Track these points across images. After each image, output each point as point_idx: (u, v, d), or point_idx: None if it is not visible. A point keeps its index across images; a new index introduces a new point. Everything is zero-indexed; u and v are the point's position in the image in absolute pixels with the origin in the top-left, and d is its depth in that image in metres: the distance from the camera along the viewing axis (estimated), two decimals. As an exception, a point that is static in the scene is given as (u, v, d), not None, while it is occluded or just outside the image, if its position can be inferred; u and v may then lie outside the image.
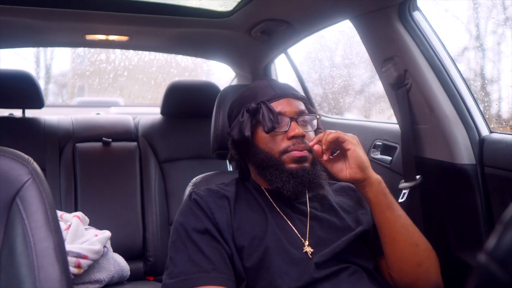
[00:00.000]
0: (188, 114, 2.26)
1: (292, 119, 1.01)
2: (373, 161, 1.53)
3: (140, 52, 5.89)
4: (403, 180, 1.31)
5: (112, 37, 2.06)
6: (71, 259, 1.48)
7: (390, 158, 1.48)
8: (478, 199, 1.17)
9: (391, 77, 1.34)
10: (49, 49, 7.21)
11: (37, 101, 2.07)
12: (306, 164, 0.99)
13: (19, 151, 0.79)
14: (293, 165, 0.98)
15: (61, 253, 0.73)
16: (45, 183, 0.77)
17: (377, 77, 1.45)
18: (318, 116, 1.08)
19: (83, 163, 2.04)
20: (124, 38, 2.07)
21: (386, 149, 1.52)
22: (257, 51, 2.11)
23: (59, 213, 1.67)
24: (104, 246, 1.60)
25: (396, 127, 1.40)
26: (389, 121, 1.67)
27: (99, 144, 2.12)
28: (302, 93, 2.10)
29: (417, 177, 1.28)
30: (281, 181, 0.98)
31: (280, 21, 1.68)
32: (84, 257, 1.51)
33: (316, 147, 0.96)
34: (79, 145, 2.09)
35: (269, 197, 1.04)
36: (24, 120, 2.12)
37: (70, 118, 2.21)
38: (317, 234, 0.98)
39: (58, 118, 2.19)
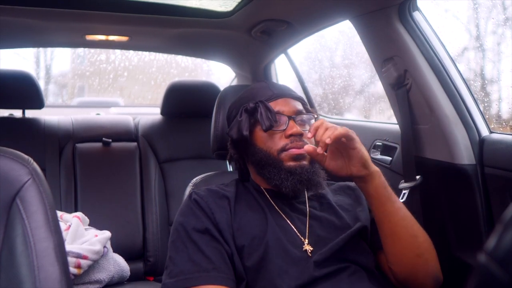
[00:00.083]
0: (188, 114, 2.26)
1: (290, 118, 1.01)
2: (373, 161, 1.52)
3: (140, 52, 5.90)
4: (403, 180, 1.31)
5: (112, 38, 2.06)
6: (71, 260, 1.48)
7: (390, 158, 1.48)
8: (478, 199, 1.17)
9: (391, 77, 1.34)
10: (49, 49, 7.22)
11: (37, 102, 2.07)
12: (305, 162, 0.99)
13: (19, 151, 0.79)
14: (291, 163, 0.98)
15: (61, 253, 0.73)
16: (45, 183, 0.77)
17: (377, 77, 1.45)
18: (315, 116, 1.08)
19: (83, 163, 2.04)
20: (124, 38, 2.07)
21: (386, 149, 1.52)
22: (257, 51, 2.11)
23: (59, 213, 1.67)
24: (104, 247, 1.60)
25: (396, 127, 1.40)
26: (389, 121, 1.67)
27: (99, 144, 2.12)
28: (302, 93, 2.13)
29: (417, 177, 1.28)
30: (279, 179, 0.98)
31: (280, 21, 1.68)
32: (84, 257, 1.51)
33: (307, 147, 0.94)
34: (79, 145, 2.09)
35: (268, 197, 1.04)
36: (24, 120, 2.12)
37: (70, 118, 2.21)
38: (317, 233, 0.98)
39: (58, 119, 2.19)
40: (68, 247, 1.49)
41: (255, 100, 1.03)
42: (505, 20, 1.47)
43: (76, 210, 1.92)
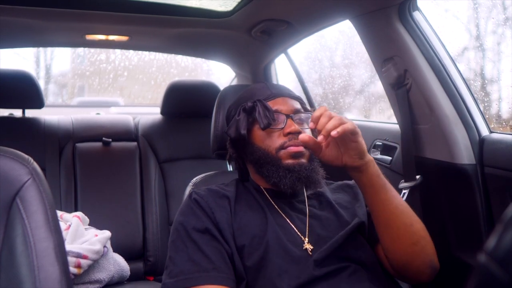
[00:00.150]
0: (188, 114, 2.26)
1: (288, 116, 1.02)
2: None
3: (140, 52, 5.90)
4: (403, 180, 1.31)
5: (112, 37, 2.06)
6: (71, 259, 1.48)
7: (390, 158, 1.48)
8: (478, 199, 1.17)
9: (391, 77, 1.34)
10: (49, 49, 7.22)
11: (37, 101, 2.07)
12: (303, 160, 1.00)
13: (19, 151, 0.79)
14: (290, 161, 0.99)
15: (61, 253, 0.73)
16: (45, 183, 0.77)
17: (377, 77, 1.45)
18: None
19: (83, 163, 2.04)
20: (124, 38, 2.07)
21: (386, 149, 1.52)
22: (257, 51, 2.11)
23: (59, 213, 1.67)
24: (104, 246, 1.60)
25: (396, 127, 1.40)
26: (389, 121, 1.67)
27: (99, 144, 2.12)
28: (302, 93, 2.13)
29: (417, 177, 1.28)
30: (278, 177, 0.98)
31: (280, 21, 1.68)
32: (84, 257, 1.51)
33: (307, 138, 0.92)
34: (79, 145, 2.09)
35: (268, 196, 1.04)
36: (24, 120, 2.12)
37: (70, 118, 2.21)
38: (317, 232, 0.98)
39: (58, 118, 2.19)
40: (68, 246, 1.49)
41: (253, 100, 1.04)
42: (505, 20, 1.47)
43: (76, 210, 1.92)
